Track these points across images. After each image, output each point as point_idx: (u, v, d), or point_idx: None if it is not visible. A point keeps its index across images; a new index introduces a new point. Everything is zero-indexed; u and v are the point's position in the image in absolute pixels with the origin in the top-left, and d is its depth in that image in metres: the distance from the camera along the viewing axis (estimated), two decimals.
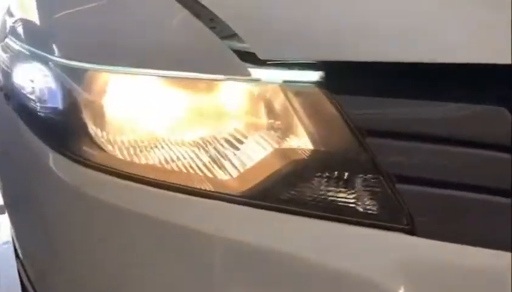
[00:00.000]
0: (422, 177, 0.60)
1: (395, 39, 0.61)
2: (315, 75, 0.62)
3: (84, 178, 0.71)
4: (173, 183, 0.68)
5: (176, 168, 0.69)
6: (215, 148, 0.68)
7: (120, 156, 0.70)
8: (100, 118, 0.70)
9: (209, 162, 0.68)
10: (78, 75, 0.71)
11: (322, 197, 0.63)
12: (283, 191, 0.63)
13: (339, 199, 0.62)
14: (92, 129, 0.70)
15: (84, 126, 0.71)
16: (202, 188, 0.67)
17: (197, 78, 0.67)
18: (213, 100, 0.68)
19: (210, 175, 0.67)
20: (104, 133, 0.71)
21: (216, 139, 0.69)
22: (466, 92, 0.59)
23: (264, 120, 0.67)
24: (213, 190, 0.66)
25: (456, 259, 0.59)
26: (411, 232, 0.61)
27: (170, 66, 0.66)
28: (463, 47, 0.59)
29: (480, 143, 0.59)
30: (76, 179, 0.71)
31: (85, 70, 0.70)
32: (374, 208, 0.62)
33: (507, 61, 0.57)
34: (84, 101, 0.71)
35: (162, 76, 0.68)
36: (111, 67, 0.68)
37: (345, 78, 0.61)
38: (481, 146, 0.59)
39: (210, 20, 0.67)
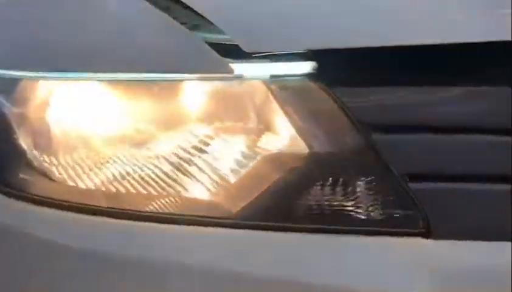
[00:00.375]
0: (435, 173, 0.56)
1: (393, 21, 0.56)
2: (307, 67, 0.56)
3: (27, 217, 0.58)
4: (145, 212, 0.58)
5: (143, 192, 0.59)
6: (192, 163, 0.59)
7: (72, 183, 0.59)
8: (42, 138, 0.58)
9: (186, 181, 0.59)
10: (6, 87, 0.59)
11: (325, 208, 0.56)
12: (283, 206, 0.55)
13: (347, 207, 0.56)
14: (32, 153, 0.59)
15: (20, 150, 0.59)
16: (182, 213, 0.57)
17: (164, 80, 0.58)
18: (185, 104, 0.59)
19: (189, 196, 0.58)
20: (47, 156, 0.60)
21: (190, 151, 0.60)
22: (473, 73, 0.56)
23: (249, 124, 0.59)
24: (196, 214, 0.57)
25: (479, 257, 0.56)
26: (428, 235, 0.56)
27: (130, 67, 0.57)
28: (464, 25, 0.56)
29: (494, 130, 0.56)
30: (17, 218, 0.59)
31: (17, 79, 0.58)
32: (387, 214, 0.56)
33: (507, 38, 0.55)
34: (18, 119, 0.59)
35: (121, 80, 0.58)
36: (54, 74, 0.57)
37: (343, 68, 0.55)
38: (495, 133, 0.56)
39: (166, 8, 0.58)
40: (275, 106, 0.57)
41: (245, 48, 0.53)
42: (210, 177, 0.59)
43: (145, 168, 0.60)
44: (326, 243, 0.56)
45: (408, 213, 0.55)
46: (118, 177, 0.60)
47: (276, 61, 0.55)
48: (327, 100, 0.55)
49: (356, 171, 0.56)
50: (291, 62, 0.55)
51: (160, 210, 0.57)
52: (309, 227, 0.55)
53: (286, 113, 0.57)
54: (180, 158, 0.60)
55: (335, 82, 0.55)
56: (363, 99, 0.55)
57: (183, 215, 0.57)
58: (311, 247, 0.55)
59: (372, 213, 0.56)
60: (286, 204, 0.56)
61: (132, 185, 0.59)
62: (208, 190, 0.59)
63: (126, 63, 0.58)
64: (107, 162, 0.61)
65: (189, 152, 0.60)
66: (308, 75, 0.55)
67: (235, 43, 0.54)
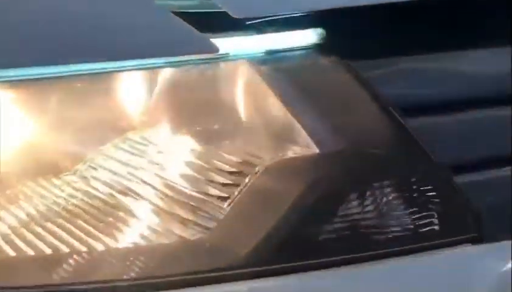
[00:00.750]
0: (483, 160, 0.45)
1: None
2: (313, 36, 0.41)
3: None
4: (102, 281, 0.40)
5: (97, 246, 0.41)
6: (149, 188, 0.42)
7: None
8: None
9: (143, 217, 0.41)
10: None
11: (353, 230, 0.42)
12: (301, 237, 0.40)
13: (383, 225, 0.42)
14: None
15: None
16: (159, 274, 0.39)
17: (102, 71, 0.40)
18: (134, 102, 0.42)
19: (150, 243, 0.41)
20: None
21: (142, 169, 0.43)
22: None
23: (232, 124, 0.43)
24: (182, 272, 0.39)
25: None
26: (480, 239, 0.45)
27: (42, 57, 0.38)
28: None
29: None
30: None
31: None
32: (433, 222, 0.43)
33: None
34: None
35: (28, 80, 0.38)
36: None
37: (363, 34, 0.42)
38: None
39: None
40: (269, 94, 0.42)
41: (236, 14, 0.37)
42: (178, 206, 0.42)
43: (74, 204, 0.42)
44: (358, 275, 0.42)
45: (458, 216, 0.44)
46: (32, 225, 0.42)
47: (274, 30, 0.40)
48: (345, 79, 0.41)
49: (391, 171, 0.43)
50: (294, 30, 0.40)
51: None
52: (337, 260, 0.41)
53: (286, 103, 0.42)
54: (129, 181, 0.43)
55: (355, 54, 0.41)
56: (393, 74, 0.42)
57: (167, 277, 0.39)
58: (342, 283, 0.42)
59: (416, 225, 0.43)
60: (303, 232, 0.41)
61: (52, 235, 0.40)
62: (178, 226, 0.42)
63: (34, 53, 0.38)
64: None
65: (140, 171, 0.43)
66: (316, 47, 0.41)
67: (221, 10, 0.37)
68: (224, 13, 0.37)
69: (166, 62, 0.38)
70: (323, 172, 0.42)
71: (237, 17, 0.38)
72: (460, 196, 0.44)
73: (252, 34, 0.39)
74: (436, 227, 0.43)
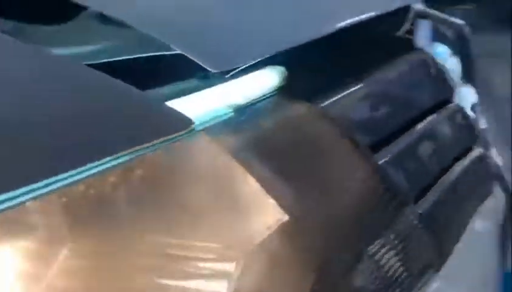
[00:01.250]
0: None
1: None
2: (275, 79, 0.31)
3: None
4: None
5: None
6: None
7: None
8: None
9: None
10: None
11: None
12: None
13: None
14: None
15: None
16: None
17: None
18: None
19: None
20: None
21: None
22: None
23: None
24: None
25: None
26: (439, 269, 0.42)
27: None
28: None
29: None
30: None
31: None
32: (409, 267, 0.39)
33: None
34: None
35: None
36: None
37: (322, 69, 0.33)
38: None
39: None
40: (231, 166, 0.31)
41: (213, 67, 0.26)
42: None
43: None
44: None
45: (426, 254, 0.40)
46: None
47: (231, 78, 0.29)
48: (314, 128, 0.33)
49: (370, 226, 0.36)
50: (252, 72, 0.30)
51: None
52: None
53: (251, 171, 0.31)
54: None
55: (322, 94, 0.33)
56: (355, 110, 0.35)
57: None
58: None
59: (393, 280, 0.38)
60: None
61: None
62: None
63: None
64: None
65: None
66: (280, 90, 0.31)
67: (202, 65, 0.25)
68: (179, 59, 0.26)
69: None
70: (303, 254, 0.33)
71: (216, 70, 0.26)
72: (426, 233, 0.40)
73: (214, 85, 0.28)
74: (407, 273, 0.39)
